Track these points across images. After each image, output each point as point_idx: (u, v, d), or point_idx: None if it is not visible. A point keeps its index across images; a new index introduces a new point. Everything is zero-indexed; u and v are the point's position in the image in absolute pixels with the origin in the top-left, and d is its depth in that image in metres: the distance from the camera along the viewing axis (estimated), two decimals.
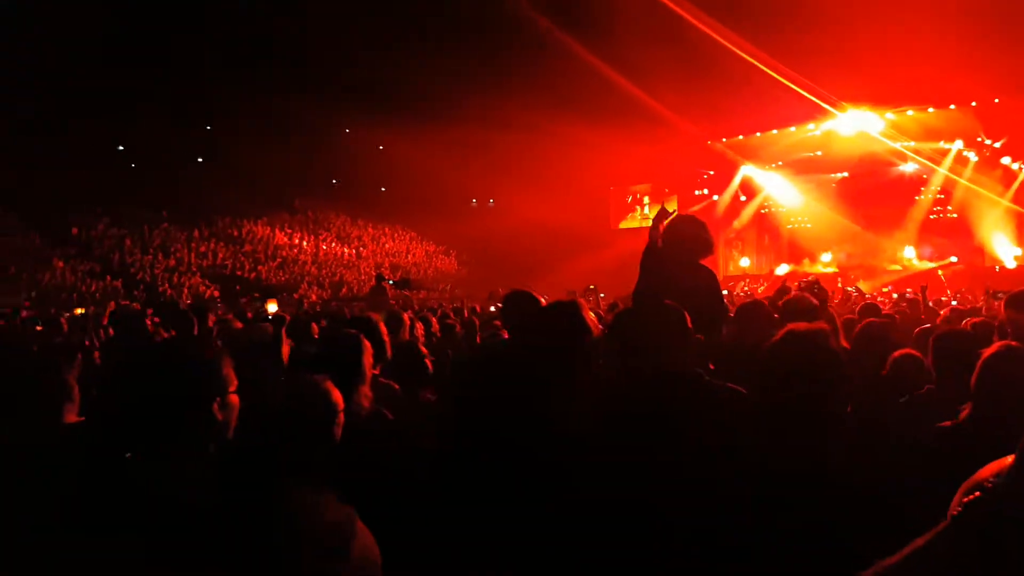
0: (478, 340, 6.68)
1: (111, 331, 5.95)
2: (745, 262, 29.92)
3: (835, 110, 21.79)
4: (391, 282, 18.72)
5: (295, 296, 23.33)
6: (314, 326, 5.64)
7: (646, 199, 31.47)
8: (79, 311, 11.94)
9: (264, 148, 29.17)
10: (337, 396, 2.38)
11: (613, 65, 19.95)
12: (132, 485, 1.52)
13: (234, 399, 1.73)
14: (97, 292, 20.65)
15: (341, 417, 2.37)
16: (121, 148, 29.52)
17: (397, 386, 3.71)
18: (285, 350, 4.84)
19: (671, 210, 4.16)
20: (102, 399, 2.79)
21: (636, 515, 1.81)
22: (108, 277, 22.48)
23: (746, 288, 21.77)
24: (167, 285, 23.03)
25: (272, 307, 12.61)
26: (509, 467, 1.78)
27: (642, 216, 30.66)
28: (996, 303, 6.93)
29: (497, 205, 35.39)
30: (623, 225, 31.97)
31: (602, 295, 13.63)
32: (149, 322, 4.95)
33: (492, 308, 11.17)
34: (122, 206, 26.89)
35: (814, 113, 22.51)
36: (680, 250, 3.85)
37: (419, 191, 32.85)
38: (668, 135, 23.89)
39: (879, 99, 21.44)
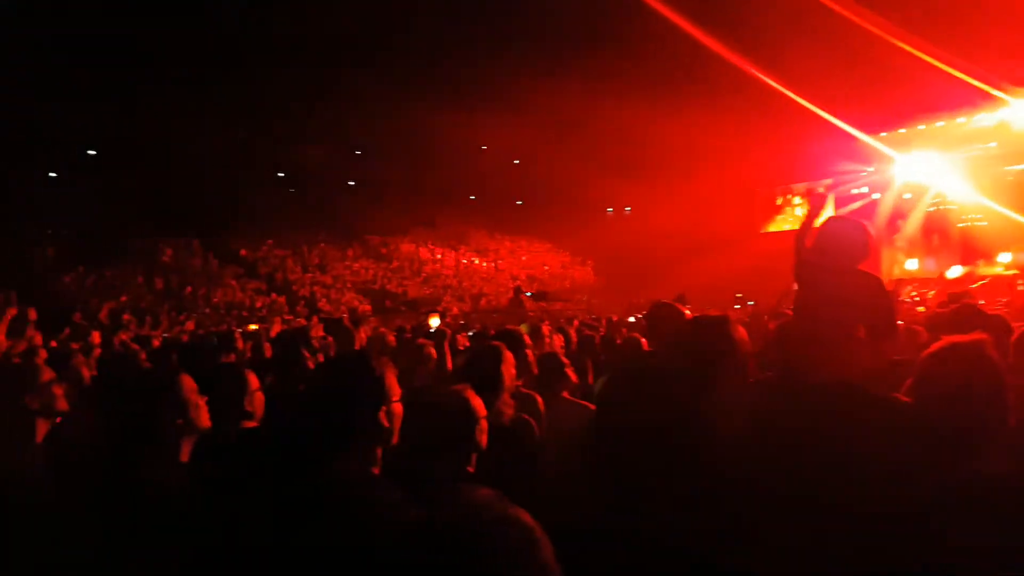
0: (615, 352, 6.65)
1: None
2: (912, 265, 27.54)
3: (1009, 97, 19.75)
4: (528, 294, 18.99)
5: (438, 309, 24.25)
6: (460, 338, 5.87)
7: (796, 199, 29.94)
8: (252, 327, 13.01)
9: (408, 169, 30.70)
10: (478, 405, 2.46)
11: (758, 61, 19.19)
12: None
13: (397, 408, 1.87)
14: (263, 308, 22.48)
15: (484, 424, 2.44)
16: (282, 175, 32.01)
17: (539, 396, 3.81)
18: (448, 363, 5.08)
19: (822, 212, 3.97)
20: (280, 408, 3.06)
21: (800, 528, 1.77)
22: (273, 294, 24.41)
23: (913, 293, 20.06)
24: (325, 300, 24.66)
25: (435, 321, 13.10)
26: (662, 478, 1.78)
27: (793, 218, 29.19)
28: None
29: (633, 212, 34.99)
30: (770, 228, 30.60)
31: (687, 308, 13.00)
32: (315, 336, 5.35)
33: (631, 319, 11.07)
34: (283, 228, 29.16)
35: (984, 101, 20.53)
36: (836, 256, 3.60)
37: (554, 202, 33.09)
38: (821, 130, 22.57)
39: None
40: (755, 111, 21.12)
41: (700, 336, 2.51)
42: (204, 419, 2.20)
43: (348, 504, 1.72)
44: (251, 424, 2.95)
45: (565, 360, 4.22)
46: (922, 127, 24.03)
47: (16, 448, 2.53)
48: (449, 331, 6.19)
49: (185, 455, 2.16)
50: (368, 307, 24.60)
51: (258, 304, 23.07)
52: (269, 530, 1.82)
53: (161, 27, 21.46)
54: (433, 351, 5.06)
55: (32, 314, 5.39)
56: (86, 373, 3.65)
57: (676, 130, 22.31)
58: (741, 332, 2.46)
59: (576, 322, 10.05)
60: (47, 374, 2.84)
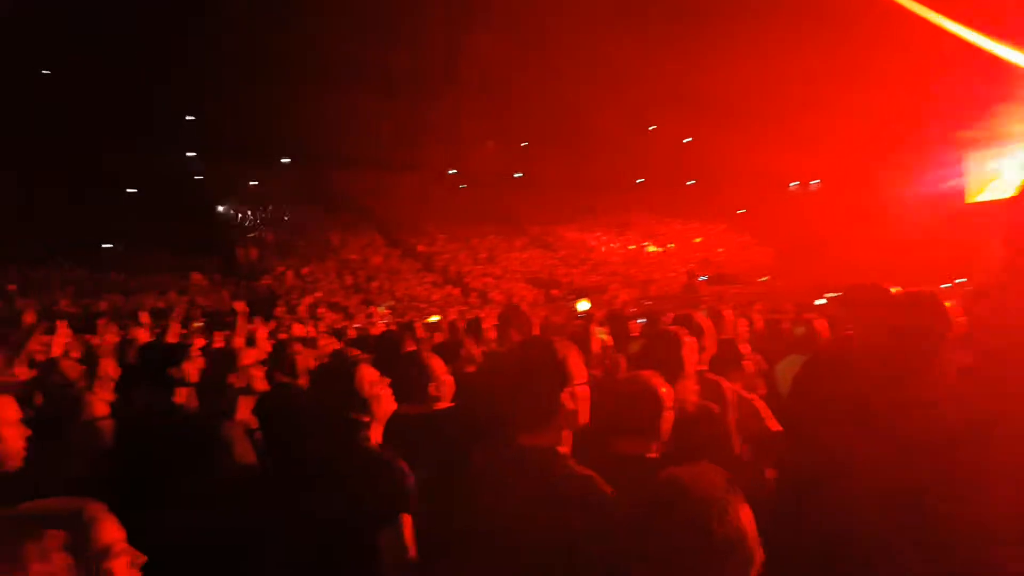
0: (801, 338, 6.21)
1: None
2: None
3: None
4: (703, 278, 18.29)
5: (604, 297, 24.11)
6: (632, 324, 5.77)
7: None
8: (432, 319, 13.69)
9: (572, 156, 30.79)
10: (666, 391, 2.44)
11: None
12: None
13: (582, 391, 1.86)
14: (440, 300, 23.57)
15: (669, 412, 2.41)
16: (453, 171, 33.36)
17: (725, 381, 3.63)
18: (595, 342, 5.08)
19: None
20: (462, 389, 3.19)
21: None
22: (448, 287, 25.53)
23: None
24: (496, 291, 25.40)
25: (583, 305, 13.11)
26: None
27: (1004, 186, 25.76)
28: None
29: (822, 187, 32.67)
30: (979, 199, 27.26)
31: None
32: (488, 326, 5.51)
33: (820, 302, 10.31)
34: (455, 222, 30.40)
35: None
36: None
37: (731, 180, 31.58)
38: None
39: None
40: (956, 66, 18.84)
41: (912, 316, 2.27)
42: (385, 405, 2.30)
43: (532, 478, 1.75)
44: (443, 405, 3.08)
45: (743, 350, 4.00)
46: None
47: (221, 421, 2.84)
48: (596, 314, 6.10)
49: (377, 436, 2.28)
50: (540, 296, 25.00)
51: (435, 296, 24.22)
52: (456, 502, 1.91)
53: (350, 47, 23.08)
54: (597, 337, 5.01)
55: (242, 307, 6.00)
56: (300, 362, 4.03)
57: (869, 92, 20.37)
58: (955, 311, 2.22)
59: (758, 306, 9.53)
60: (249, 356, 3.20)
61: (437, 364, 3.13)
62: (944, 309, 2.32)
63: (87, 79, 22.84)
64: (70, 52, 22.49)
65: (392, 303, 22.52)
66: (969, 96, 20.89)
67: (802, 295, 13.71)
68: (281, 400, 3.22)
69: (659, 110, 26.72)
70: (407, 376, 3.01)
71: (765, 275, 27.37)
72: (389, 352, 3.91)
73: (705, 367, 3.49)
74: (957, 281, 11.58)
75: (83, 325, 10.38)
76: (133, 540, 1.29)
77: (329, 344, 7.29)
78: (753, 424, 3.44)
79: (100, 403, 3.77)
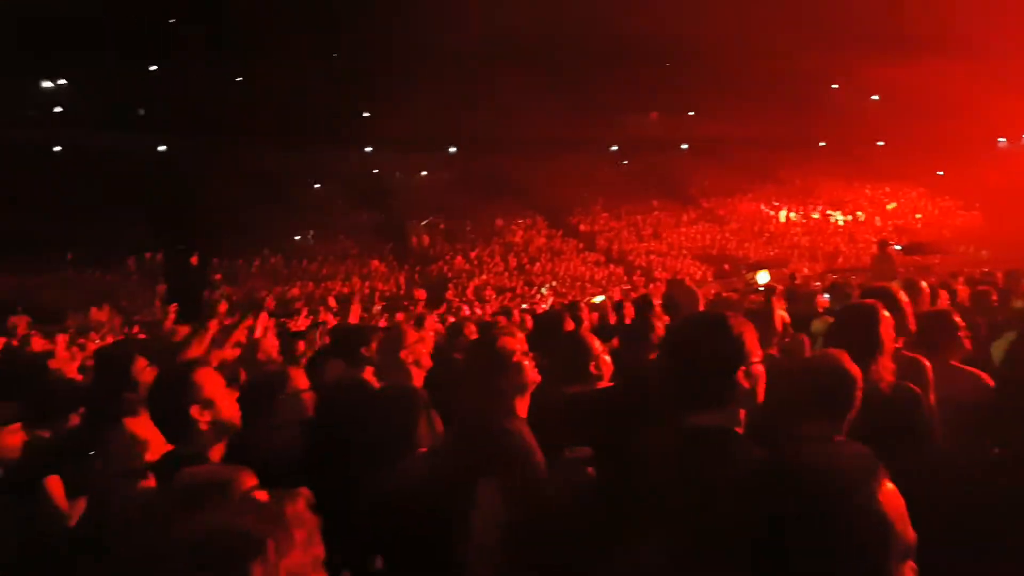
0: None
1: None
2: None
3: None
4: (898, 248, 16.64)
5: (784, 272, 22.72)
6: (819, 299, 5.37)
7: None
8: (596, 299, 13.59)
9: (744, 122, 29.16)
10: (854, 369, 2.29)
11: None
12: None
13: (758, 369, 1.74)
14: (603, 280, 23.42)
15: (858, 392, 2.27)
16: (615, 148, 32.92)
17: (925, 359, 3.25)
18: (776, 319, 4.78)
19: None
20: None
21: None
22: (611, 266, 25.31)
23: None
24: (661, 268, 24.80)
25: (762, 277, 12.38)
26: None
27: None
28: None
29: None
30: None
31: None
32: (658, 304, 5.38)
33: None
34: (617, 199, 29.95)
35: None
36: None
37: (928, 139, 28.43)
38: None
39: None
40: None
41: None
42: (528, 375, 2.43)
43: (706, 460, 1.70)
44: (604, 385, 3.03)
45: (959, 321, 3.54)
46: None
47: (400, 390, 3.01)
48: (779, 287, 5.69)
49: (523, 411, 2.39)
50: (709, 273, 24.10)
51: (598, 276, 24.10)
52: (623, 482, 1.91)
53: (507, 31, 23.48)
54: (778, 314, 4.68)
55: (422, 294, 6.36)
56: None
57: None
58: None
59: (962, 277, 8.51)
60: (413, 335, 3.50)
61: (595, 343, 3.12)
62: None
63: (280, 86, 25.18)
64: (265, 60, 24.80)
65: (554, 283, 22.71)
66: None
67: (1013, 264, 12.10)
68: (446, 374, 3.37)
69: (842, 65, 24.50)
70: (567, 356, 3.05)
71: (969, 244, 24.48)
72: (548, 332, 3.93)
73: (900, 344, 3.14)
74: None
75: (280, 310, 11.47)
76: (326, 504, 1.35)
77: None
78: (970, 398, 3.14)
79: (302, 377, 4.15)
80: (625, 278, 23.66)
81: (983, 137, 28.90)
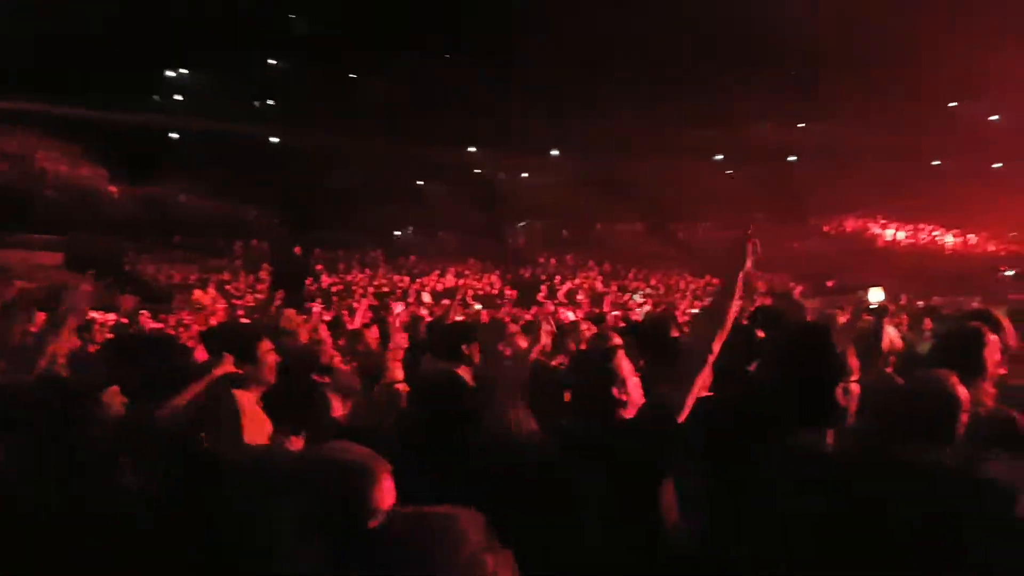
0: None
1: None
2: None
3: None
4: (1009, 273, 15.27)
5: (889, 292, 21.51)
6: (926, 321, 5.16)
7: None
8: (696, 310, 13.23)
9: (853, 138, 27.79)
10: (960, 392, 2.25)
11: None
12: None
13: (855, 387, 1.77)
14: (699, 290, 22.92)
15: (964, 416, 2.23)
16: (719, 157, 32.05)
17: None
18: (884, 340, 4.63)
19: None
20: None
21: None
22: (707, 276, 24.71)
23: None
24: (760, 282, 23.99)
25: (875, 295, 11.76)
26: None
27: None
28: None
29: None
30: None
31: None
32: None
33: None
34: (720, 209, 29.07)
35: None
36: None
37: None
38: None
39: None
40: None
41: None
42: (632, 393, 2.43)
43: (790, 478, 1.73)
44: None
45: None
46: None
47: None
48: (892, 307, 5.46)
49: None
50: (806, 288, 23.10)
51: (693, 286, 23.63)
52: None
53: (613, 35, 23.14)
54: (886, 333, 4.53)
55: (513, 294, 6.57)
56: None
57: None
58: None
59: None
60: (512, 328, 3.84)
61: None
62: None
63: (391, 83, 25.91)
64: (380, 59, 25.57)
65: (648, 290, 22.43)
66: None
67: None
68: (543, 374, 3.49)
69: (960, 83, 22.86)
70: (674, 362, 3.05)
71: None
72: (654, 337, 3.91)
73: (1005, 369, 3.07)
74: None
75: (379, 302, 11.94)
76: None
77: (588, 329, 7.58)
78: None
79: (399, 368, 4.39)
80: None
81: None
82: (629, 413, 2.36)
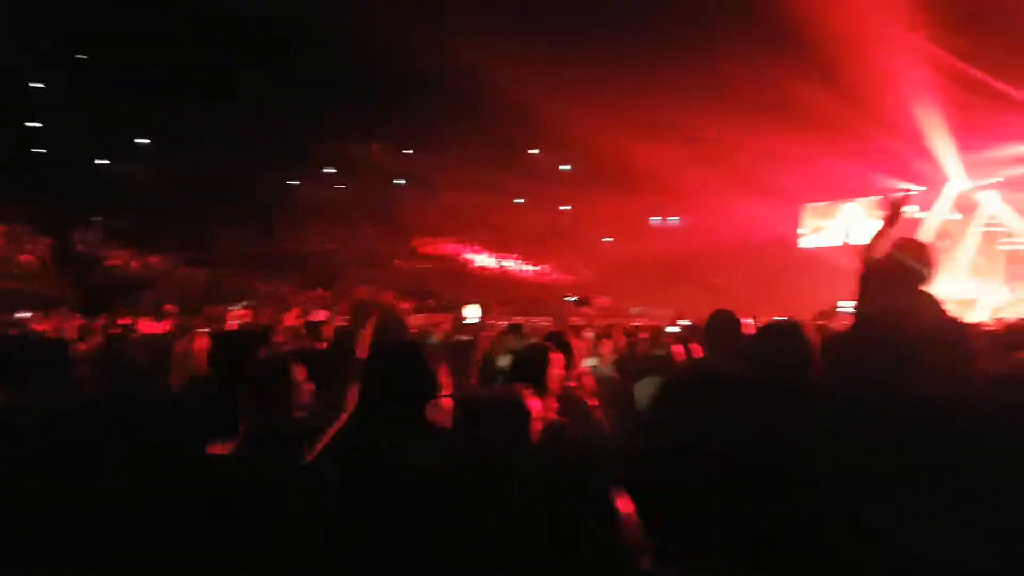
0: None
1: None
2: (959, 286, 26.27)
3: None
4: (572, 299, 18.77)
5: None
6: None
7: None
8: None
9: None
10: (531, 404, 2.40)
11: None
12: None
13: (446, 402, 1.85)
14: None
15: (536, 424, 2.39)
16: None
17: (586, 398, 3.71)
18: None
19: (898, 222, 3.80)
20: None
21: None
22: None
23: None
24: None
25: (472, 312, 12.85)
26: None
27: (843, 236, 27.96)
28: None
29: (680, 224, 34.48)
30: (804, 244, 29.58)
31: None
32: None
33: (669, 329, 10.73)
34: None
35: None
36: (901, 275, 3.50)
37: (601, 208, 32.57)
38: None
39: None
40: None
41: (777, 344, 2.43)
42: None
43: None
44: None
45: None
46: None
47: None
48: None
49: None
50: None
51: None
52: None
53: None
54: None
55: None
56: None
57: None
58: (815, 340, 2.40)
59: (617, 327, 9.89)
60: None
61: None
62: (807, 338, 2.49)
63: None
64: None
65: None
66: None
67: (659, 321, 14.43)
68: None
69: (539, 135, 27.03)
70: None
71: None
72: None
73: (571, 384, 3.62)
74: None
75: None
76: None
77: None
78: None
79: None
80: None
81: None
82: None
